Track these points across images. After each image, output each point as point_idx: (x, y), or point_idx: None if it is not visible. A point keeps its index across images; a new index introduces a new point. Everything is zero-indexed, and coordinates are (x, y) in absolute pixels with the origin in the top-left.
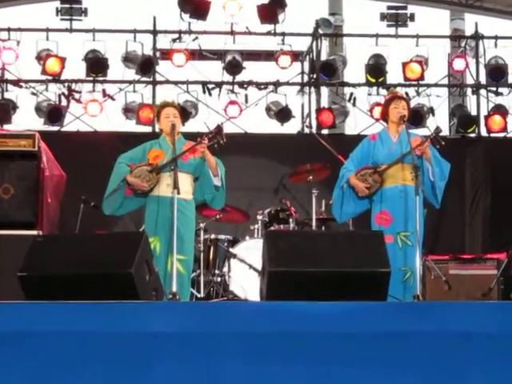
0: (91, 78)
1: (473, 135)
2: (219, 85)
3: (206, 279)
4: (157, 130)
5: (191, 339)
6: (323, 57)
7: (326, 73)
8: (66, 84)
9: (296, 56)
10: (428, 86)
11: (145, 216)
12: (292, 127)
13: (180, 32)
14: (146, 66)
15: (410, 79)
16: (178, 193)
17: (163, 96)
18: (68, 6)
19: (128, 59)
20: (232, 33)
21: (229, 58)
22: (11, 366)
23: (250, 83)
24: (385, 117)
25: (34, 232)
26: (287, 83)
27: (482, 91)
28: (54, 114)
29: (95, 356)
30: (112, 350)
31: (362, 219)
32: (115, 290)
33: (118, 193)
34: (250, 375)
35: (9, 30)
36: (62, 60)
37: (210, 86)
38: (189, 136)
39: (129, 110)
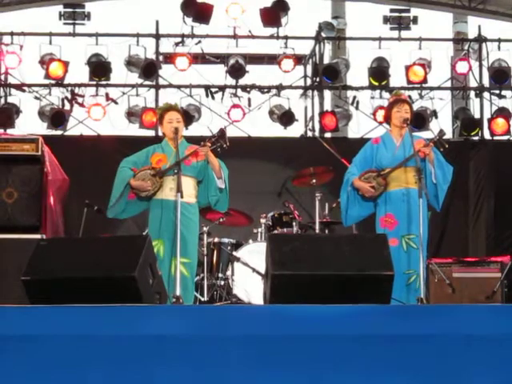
0: (94, 82)
1: (476, 138)
2: (222, 88)
3: (210, 283)
4: (160, 133)
5: (194, 343)
6: (326, 60)
7: (328, 76)
8: (69, 88)
9: (299, 59)
10: (431, 88)
11: (148, 219)
12: (295, 131)
13: (183, 36)
14: (148, 69)
15: (413, 82)
16: (182, 196)
17: (166, 100)
18: (71, 10)
19: (131, 63)
20: (235, 36)
21: (232, 61)
22: (15, 369)
23: (252, 87)
24: (388, 120)
25: (38, 236)
26: (290, 87)
27: (486, 94)
28: (57, 118)
29: (98, 359)
30: (115, 354)
31: (365, 223)
32: (119, 294)
33: (122, 198)
34: (254, 379)
35: (12, 34)
36: (65, 64)
37: (213, 90)
38: (192, 140)
39: (132, 114)
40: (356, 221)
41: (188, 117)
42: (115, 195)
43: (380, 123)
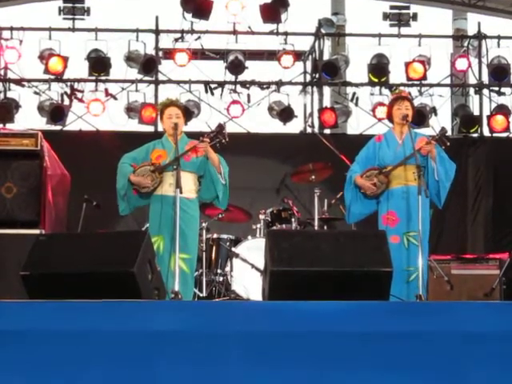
0: (94, 78)
1: (475, 135)
2: (221, 84)
3: (208, 279)
4: (159, 129)
5: (193, 338)
6: (326, 56)
7: (328, 72)
8: (69, 83)
9: (298, 55)
10: (430, 85)
11: (149, 215)
12: (294, 127)
13: (182, 31)
14: (148, 65)
15: (413, 79)
16: (181, 192)
17: (166, 96)
18: (71, 5)
19: (130, 59)
20: (234, 32)
21: (231, 57)
22: (14, 364)
23: (252, 83)
24: (390, 118)
25: (37, 231)
26: (290, 83)
27: (485, 91)
28: (56, 113)
29: (97, 354)
30: (114, 349)
31: (365, 220)
32: (117, 289)
33: (128, 196)
34: (252, 375)
35: (11, 29)
36: (65, 59)
37: (213, 86)
38: (191, 135)
39: (131, 110)
40: (358, 218)
41: (187, 112)
42: (120, 194)
43: (379, 120)
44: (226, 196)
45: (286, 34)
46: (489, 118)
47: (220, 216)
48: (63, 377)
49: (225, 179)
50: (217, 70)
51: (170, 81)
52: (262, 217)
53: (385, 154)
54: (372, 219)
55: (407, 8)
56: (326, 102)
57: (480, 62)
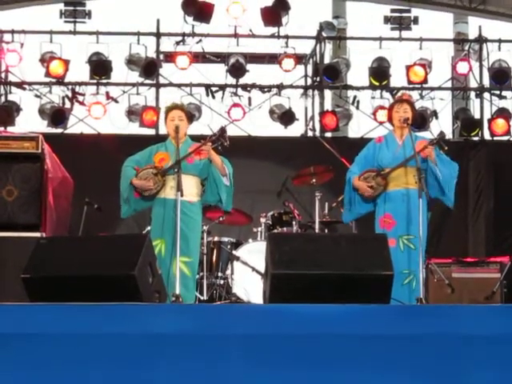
0: (95, 81)
1: (476, 138)
2: (223, 87)
3: (209, 282)
4: (160, 132)
5: (194, 341)
6: (327, 60)
7: (329, 76)
8: (70, 86)
9: (299, 59)
10: (431, 89)
11: (150, 218)
12: (295, 130)
13: (184, 35)
14: (149, 68)
15: (414, 82)
16: (182, 195)
17: (167, 99)
18: (72, 8)
19: (131, 62)
20: (235, 35)
21: (232, 60)
22: (15, 367)
23: (253, 86)
24: (390, 121)
25: (38, 234)
26: (291, 86)
27: (486, 94)
28: (57, 116)
29: (98, 357)
30: (114, 352)
31: (365, 223)
32: (118, 292)
33: (130, 199)
34: (253, 378)
35: (13, 32)
36: (66, 62)
37: (214, 89)
38: (192, 138)
39: (132, 113)
40: (354, 218)
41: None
42: (123, 196)
43: (380, 123)
44: (231, 198)
45: (287, 37)
46: (489, 121)
47: (221, 219)
48: (64, 379)
49: (229, 180)
50: (218, 73)
51: (171, 84)
52: (262, 220)
53: (383, 156)
54: (373, 222)
55: (408, 11)
56: (327, 106)
57: (481, 66)
